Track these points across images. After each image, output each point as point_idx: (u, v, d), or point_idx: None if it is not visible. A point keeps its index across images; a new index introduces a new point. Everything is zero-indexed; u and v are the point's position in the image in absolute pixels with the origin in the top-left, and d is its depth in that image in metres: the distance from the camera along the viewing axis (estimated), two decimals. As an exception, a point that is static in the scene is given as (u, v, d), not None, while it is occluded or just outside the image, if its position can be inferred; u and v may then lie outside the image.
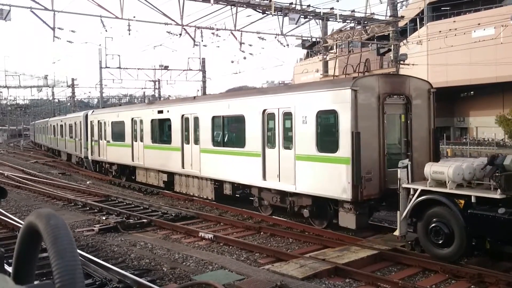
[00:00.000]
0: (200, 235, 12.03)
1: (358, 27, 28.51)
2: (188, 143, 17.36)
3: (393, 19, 28.19)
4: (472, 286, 8.22)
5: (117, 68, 40.20)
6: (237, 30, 23.53)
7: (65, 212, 15.76)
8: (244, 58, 37.80)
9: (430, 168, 9.46)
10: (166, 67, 44.48)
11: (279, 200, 13.32)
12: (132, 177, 22.77)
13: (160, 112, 19.42)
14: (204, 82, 44.08)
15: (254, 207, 14.62)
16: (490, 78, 41.12)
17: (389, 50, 30.43)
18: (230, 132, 16.07)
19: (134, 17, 21.08)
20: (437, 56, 37.65)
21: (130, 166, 22.61)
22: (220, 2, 21.70)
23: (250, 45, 26.12)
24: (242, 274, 8.56)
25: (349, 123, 10.81)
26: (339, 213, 11.41)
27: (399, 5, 32.21)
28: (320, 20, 25.71)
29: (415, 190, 9.62)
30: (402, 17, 31.46)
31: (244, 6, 22.26)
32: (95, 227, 12.79)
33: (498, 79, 41.00)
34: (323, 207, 12.06)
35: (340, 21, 26.28)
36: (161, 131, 19.90)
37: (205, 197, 16.77)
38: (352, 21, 27.14)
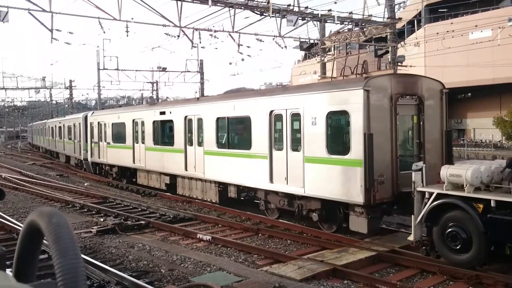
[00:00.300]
0: (198, 236, 12.00)
1: (356, 29, 28.60)
2: (191, 145, 17.09)
3: (390, 21, 28.27)
4: (469, 288, 8.25)
5: (115, 69, 40.26)
6: (235, 31, 23.58)
7: (63, 213, 15.69)
8: (242, 59, 37.61)
9: (447, 171, 9.07)
10: (164, 69, 44.52)
11: (287, 203, 13.02)
12: (133, 179, 22.54)
13: (163, 113, 19.08)
14: (202, 83, 44.13)
15: (261, 210, 14.35)
16: (487, 79, 41.18)
17: (387, 52, 30.56)
18: (235, 134, 15.83)
19: (132, 18, 21.13)
20: (434, 58, 37.70)
21: (131, 168, 22.29)
22: (218, 4, 21.72)
23: (248, 47, 26.27)
24: (240, 275, 8.56)
25: (361, 124, 10.51)
26: (350, 217, 11.10)
27: (396, 7, 32.29)
28: (318, 22, 25.78)
29: (431, 194, 9.25)
30: (400, 19, 31.58)
31: (242, 8, 22.30)
32: (93, 228, 12.76)
33: (495, 81, 41.05)
34: (333, 210, 11.77)
35: (338, 23, 26.35)
36: (163, 133, 19.59)
37: (208, 200, 16.51)
38: (350, 23, 27.21)
